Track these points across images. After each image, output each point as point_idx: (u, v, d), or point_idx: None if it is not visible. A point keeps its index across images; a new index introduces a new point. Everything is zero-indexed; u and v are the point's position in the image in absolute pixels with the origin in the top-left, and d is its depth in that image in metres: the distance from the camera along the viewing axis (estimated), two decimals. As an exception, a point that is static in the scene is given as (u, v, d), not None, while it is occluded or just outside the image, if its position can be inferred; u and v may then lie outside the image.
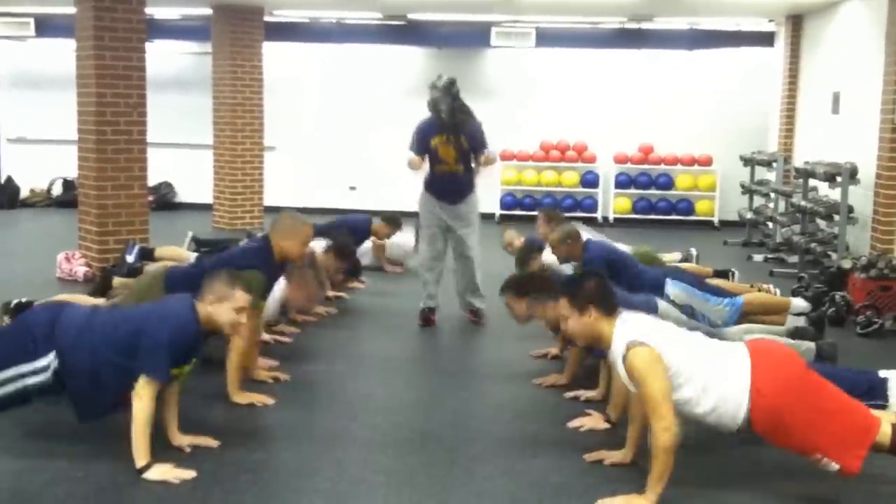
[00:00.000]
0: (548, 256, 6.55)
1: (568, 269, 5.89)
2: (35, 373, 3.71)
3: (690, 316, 5.66)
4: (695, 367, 3.48)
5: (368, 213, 8.86)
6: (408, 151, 6.37)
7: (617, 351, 3.53)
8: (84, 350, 3.70)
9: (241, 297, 3.84)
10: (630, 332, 3.50)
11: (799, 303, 5.98)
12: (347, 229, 7.73)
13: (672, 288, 5.71)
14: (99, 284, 6.53)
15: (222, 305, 3.80)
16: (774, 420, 3.45)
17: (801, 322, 5.73)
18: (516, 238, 7.55)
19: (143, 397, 3.59)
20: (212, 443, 3.98)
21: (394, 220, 8.54)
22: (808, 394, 3.46)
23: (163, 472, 3.60)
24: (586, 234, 6.81)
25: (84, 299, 5.86)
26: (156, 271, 4.90)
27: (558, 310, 3.77)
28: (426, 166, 6.42)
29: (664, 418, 3.33)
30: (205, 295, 3.82)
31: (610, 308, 3.61)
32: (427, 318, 6.51)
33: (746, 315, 5.69)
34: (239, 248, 5.26)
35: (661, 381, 3.38)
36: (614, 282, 5.61)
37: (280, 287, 5.51)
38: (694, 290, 5.73)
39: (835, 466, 3.40)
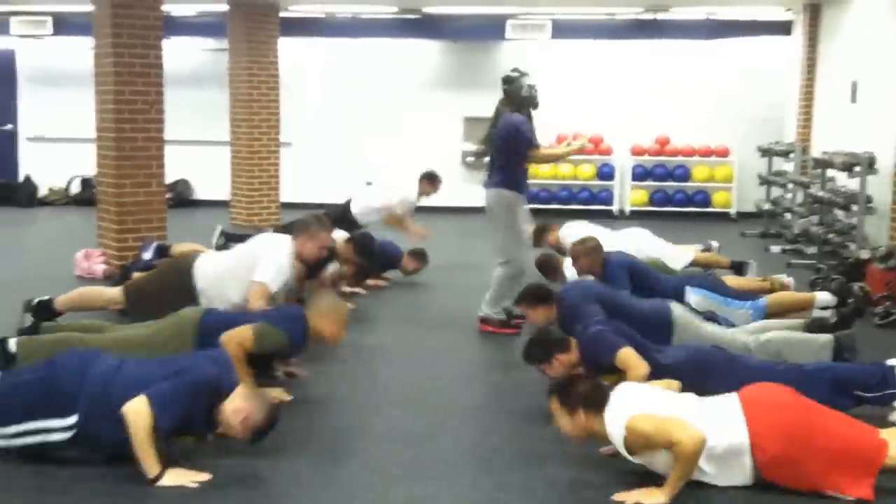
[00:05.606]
0: (568, 270, 6.52)
1: (588, 280, 5.86)
2: (60, 430, 3.66)
3: (712, 320, 5.61)
4: None
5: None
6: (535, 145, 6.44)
7: (616, 437, 3.57)
8: (107, 412, 3.61)
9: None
10: (620, 414, 3.54)
11: (823, 297, 5.85)
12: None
13: (693, 296, 5.70)
14: (118, 281, 6.60)
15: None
16: (780, 469, 3.49)
17: (828, 315, 5.61)
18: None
19: (139, 411, 3.52)
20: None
21: (421, 256, 8.07)
22: (810, 436, 3.48)
23: (177, 477, 3.58)
24: (599, 232, 6.77)
25: (103, 291, 5.97)
26: (191, 315, 4.74)
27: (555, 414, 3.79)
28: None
29: (686, 435, 3.38)
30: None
31: (600, 405, 3.64)
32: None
33: (770, 317, 5.61)
34: (276, 312, 4.86)
35: (668, 421, 3.44)
36: (636, 290, 5.59)
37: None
38: (715, 296, 5.72)
39: (849, 498, 3.44)
